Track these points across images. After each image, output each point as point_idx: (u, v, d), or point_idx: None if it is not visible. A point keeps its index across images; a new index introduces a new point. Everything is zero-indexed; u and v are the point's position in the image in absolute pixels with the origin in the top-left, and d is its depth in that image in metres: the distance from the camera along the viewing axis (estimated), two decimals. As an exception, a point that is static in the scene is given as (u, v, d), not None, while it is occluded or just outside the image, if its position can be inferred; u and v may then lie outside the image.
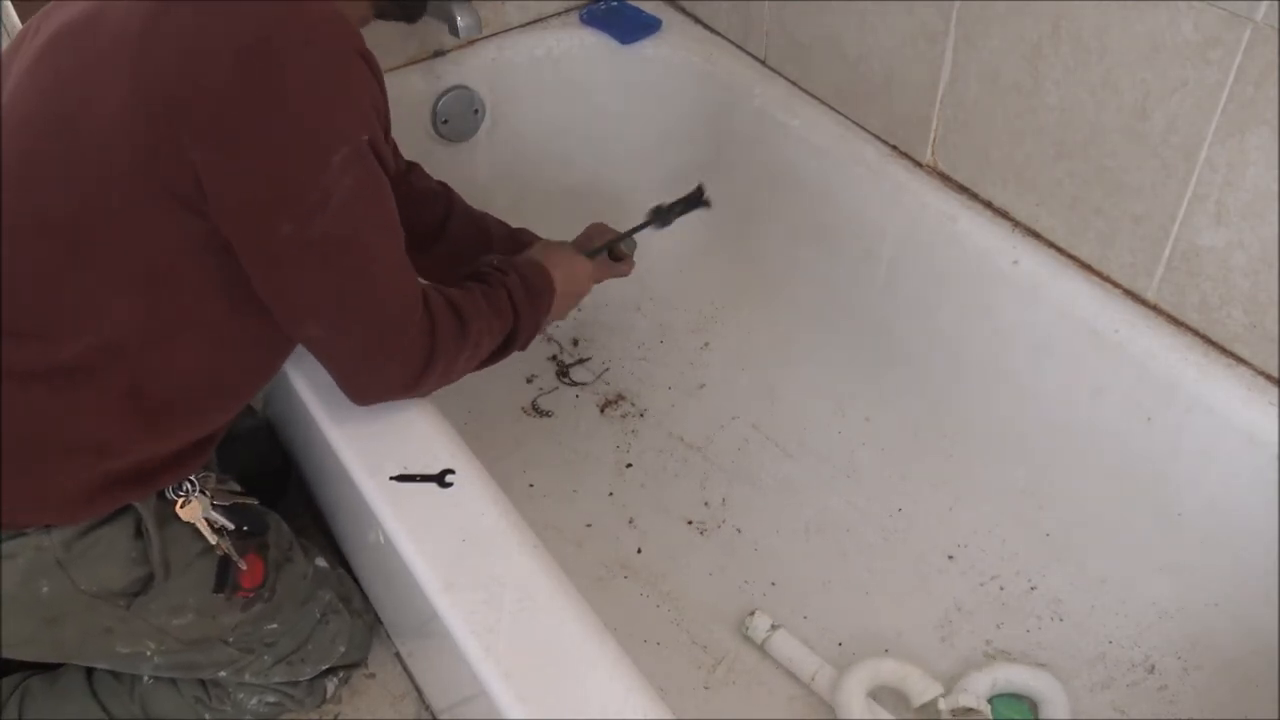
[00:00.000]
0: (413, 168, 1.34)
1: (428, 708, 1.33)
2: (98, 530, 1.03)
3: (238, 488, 1.17)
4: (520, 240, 1.40)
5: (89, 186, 0.91)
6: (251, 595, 1.14)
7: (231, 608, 1.13)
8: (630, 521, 1.49)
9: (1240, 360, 1.18)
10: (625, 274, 1.43)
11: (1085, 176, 1.23)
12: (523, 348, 1.18)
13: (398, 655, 1.38)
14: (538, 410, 1.63)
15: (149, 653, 1.11)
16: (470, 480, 1.02)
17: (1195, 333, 1.21)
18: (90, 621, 1.06)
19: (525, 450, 1.58)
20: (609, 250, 1.39)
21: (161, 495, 1.07)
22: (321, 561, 1.28)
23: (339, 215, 0.90)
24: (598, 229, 1.42)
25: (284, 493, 1.50)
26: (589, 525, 1.48)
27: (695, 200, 1.40)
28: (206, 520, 1.09)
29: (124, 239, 0.92)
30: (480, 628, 0.90)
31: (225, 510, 1.12)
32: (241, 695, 1.23)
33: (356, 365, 1.01)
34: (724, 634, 1.35)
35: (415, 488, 1.01)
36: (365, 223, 0.94)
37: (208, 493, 1.10)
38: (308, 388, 1.12)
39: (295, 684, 1.25)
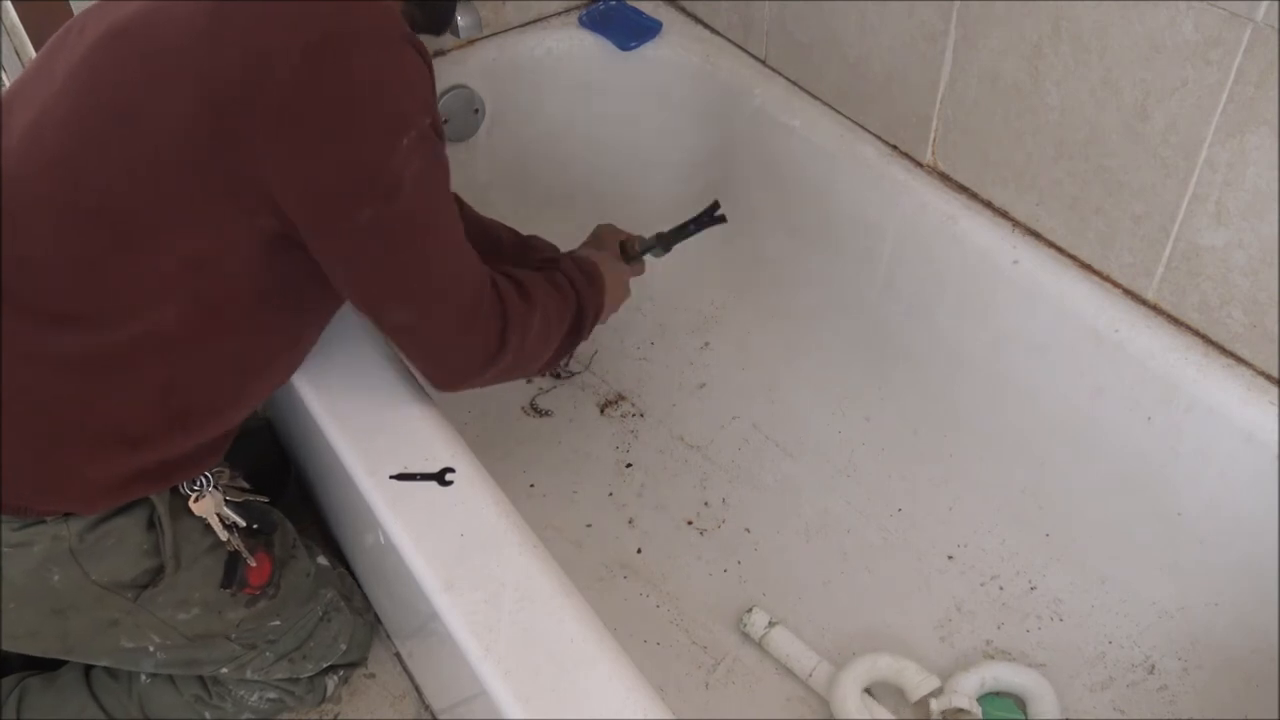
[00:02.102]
0: None
1: (428, 708, 1.33)
2: (111, 521, 1.03)
3: (247, 485, 1.17)
4: (531, 247, 1.40)
5: (143, 177, 0.92)
6: (258, 593, 1.15)
7: (236, 604, 1.14)
8: (630, 521, 1.49)
9: (1240, 360, 1.18)
10: (639, 274, 1.46)
11: (1085, 176, 1.23)
12: (587, 334, 1.21)
13: (398, 655, 1.38)
14: (537, 410, 1.64)
15: (152, 648, 1.11)
16: (470, 480, 1.02)
17: (1195, 333, 1.21)
18: (97, 613, 1.06)
19: (525, 450, 1.58)
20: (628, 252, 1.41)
21: (175, 489, 1.08)
22: (323, 559, 1.28)
23: (413, 196, 0.93)
24: (608, 230, 1.44)
25: (284, 491, 1.50)
26: (589, 525, 1.48)
27: (709, 218, 1.45)
28: (218, 516, 1.10)
29: (172, 230, 0.94)
30: (480, 628, 0.90)
31: (236, 507, 1.13)
32: (242, 692, 1.23)
33: (444, 344, 1.03)
34: (724, 634, 1.35)
35: (415, 487, 1.01)
36: (436, 201, 0.97)
37: (220, 488, 1.11)
38: (308, 386, 1.12)
39: (296, 681, 1.26)
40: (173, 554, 1.07)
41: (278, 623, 1.19)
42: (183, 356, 0.99)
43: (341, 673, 1.31)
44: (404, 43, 0.93)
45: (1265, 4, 0.99)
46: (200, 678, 1.22)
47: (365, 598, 1.36)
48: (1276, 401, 1.15)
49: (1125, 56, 1.12)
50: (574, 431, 1.61)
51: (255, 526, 1.15)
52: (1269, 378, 1.16)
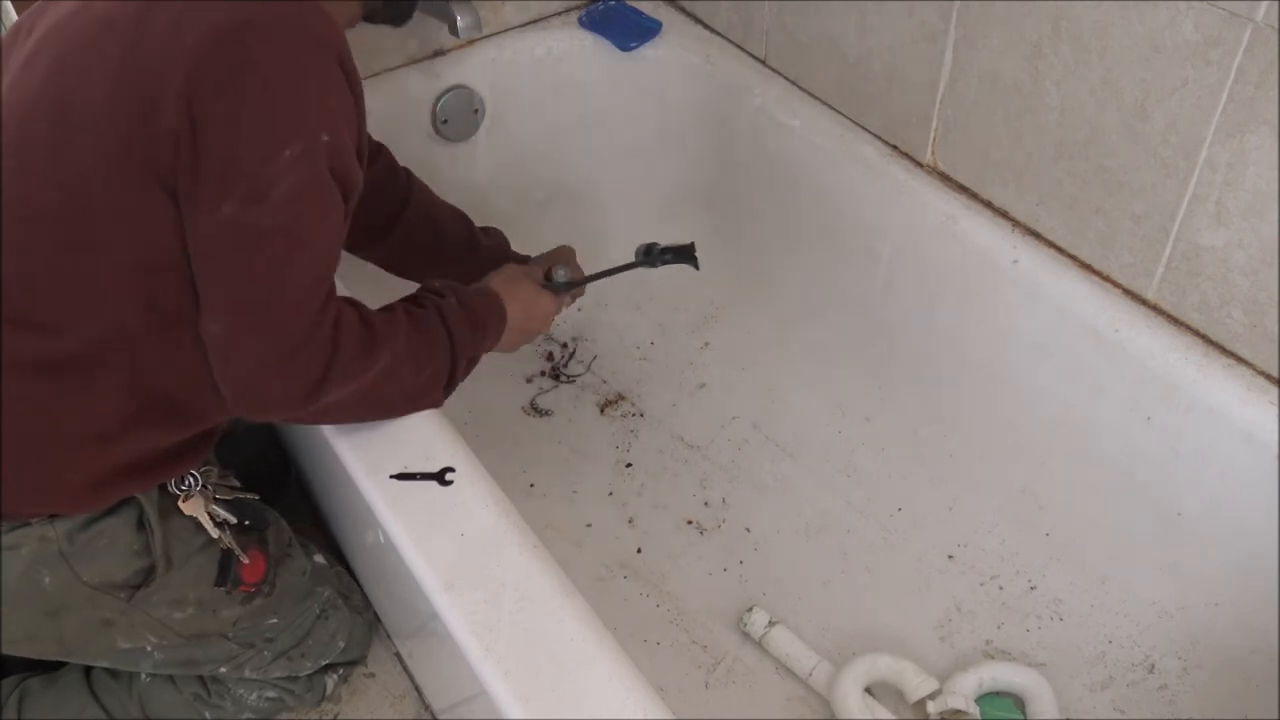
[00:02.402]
0: (380, 150, 1.33)
1: (428, 708, 1.33)
2: (101, 522, 1.04)
3: (238, 483, 1.17)
4: (480, 243, 1.38)
5: (80, 174, 0.92)
6: (253, 590, 1.15)
7: (231, 602, 1.14)
8: (630, 521, 1.49)
9: (1240, 360, 1.18)
10: (569, 305, 1.40)
11: (1085, 176, 1.23)
12: (461, 379, 1.13)
13: (398, 655, 1.38)
14: (537, 410, 1.63)
15: (149, 648, 1.11)
16: (470, 480, 1.02)
17: (1195, 333, 1.21)
18: (91, 614, 1.06)
19: (525, 450, 1.58)
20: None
21: (164, 489, 1.08)
22: (320, 558, 1.28)
23: (277, 208, 0.90)
24: (566, 253, 1.40)
25: (283, 491, 1.50)
26: (589, 525, 1.48)
27: (686, 255, 1.36)
28: (209, 514, 1.10)
29: (116, 226, 0.93)
30: (480, 628, 0.90)
31: (227, 504, 1.13)
32: (241, 691, 1.23)
33: (249, 372, 0.95)
34: (724, 633, 1.35)
35: (415, 487, 1.01)
36: (299, 222, 0.92)
37: (210, 487, 1.11)
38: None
39: (295, 679, 1.26)
40: (163, 553, 1.07)
41: (275, 621, 1.19)
42: (148, 355, 0.98)
43: (341, 671, 1.31)
44: (327, 54, 0.91)
45: (1265, 4, 0.99)
46: (200, 677, 1.22)
47: (364, 596, 1.36)
48: (1276, 401, 1.15)
49: (1125, 56, 1.12)
50: (574, 431, 1.61)
51: (247, 523, 1.15)
52: (1269, 378, 1.16)
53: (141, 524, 1.06)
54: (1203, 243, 1.15)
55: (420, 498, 1.00)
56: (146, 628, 1.10)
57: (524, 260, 1.42)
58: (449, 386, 1.12)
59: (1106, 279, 1.27)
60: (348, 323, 0.98)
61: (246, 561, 1.14)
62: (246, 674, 1.20)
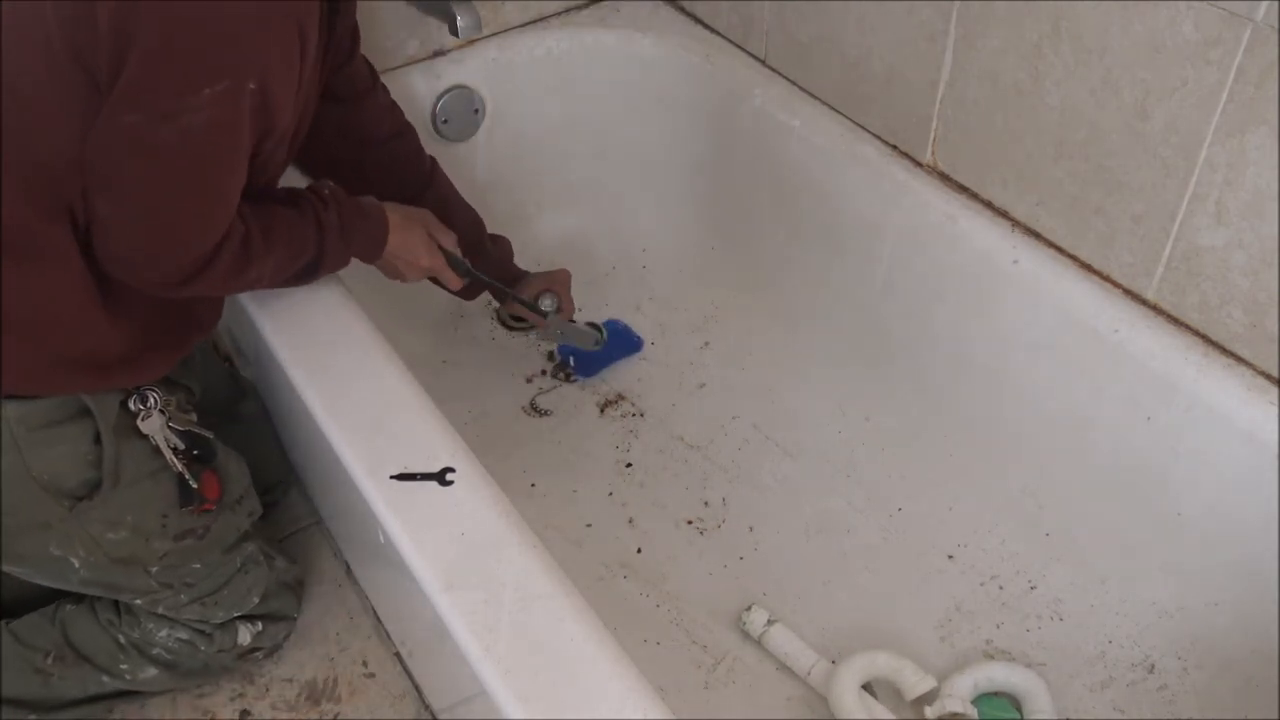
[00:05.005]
0: (406, 131, 1.38)
1: (428, 707, 1.33)
2: (60, 427, 1.06)
3: (195, 418, 1.20)
4: (486, 251, 1.44)
5: (21, 64, 0.95)
6: (212, 509, 1.18)
7: (164, 535, 1.16)
8: (630, 521, 1.49)
9: (1240, 360, 1.18)
10: (538, 325, 1.52)
11: (1085, 176, 1.23)
12: (326, 273, 1.18)
13: (398, 655, 1.38)
14: (537, 410, 1.63)
15: (77, 563, 1.13)
16: (470, 480, 1.02)
17: (1195, 332, 1.21)
18: (32, 514, 1.09)
19: (525, 450, 1.58)
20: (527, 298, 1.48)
21: (124, 406, 1.11)
22: (251, 546, 1.29)
23: (182, 134, 0.92)
24: (561, 276, 1.51)
25: (284, 492, 1.50)
26: (589, 525, 1.48)
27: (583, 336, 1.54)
28: (164, 438, 1.13)
29: (53, 113, 0.95)
30: (480, 628, 0.90)
31: (180, 434, 1.16)
32: (151, 625, 1.26)
33: (124, 258, 1.01)
34: (724, 633, 1.35)
35: (415, 487, 1.01)
36: (199, 154, 0.95)
37: (166, 413, 1.14)
38: (309, 388, 1.12)
39: (207, 624, 1.28)
40: (113, 470, 1.09)
41: (197, 566, 1.21)
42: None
43: (260, 625, 1.32)
44: (285, 8, 0.93)
45: (1265, 4, 0.99)
46: (115, 604, 1.25)
47: (290, 558, 1.38)
48: (1276, 401, 1.15)
49: (1125, 56, 1.12)
50: (574, 431, 1.61)
51: (196, 453, 1.18)
52: (1269, 378, 1.16)
53: (98, 440, 1.09)
54: (1202, 243, 1.15)
55: (420, 498, 1.00)
56: (80, 541, 1.12)
57: (522, 275, 1.46)
58: (295, 284, 1.17)
59: (1106, 279, 1.27)
60: (229, 246, 1.02)
61: (195, 486, 1.16)
62: (160, 610, 1.23)
